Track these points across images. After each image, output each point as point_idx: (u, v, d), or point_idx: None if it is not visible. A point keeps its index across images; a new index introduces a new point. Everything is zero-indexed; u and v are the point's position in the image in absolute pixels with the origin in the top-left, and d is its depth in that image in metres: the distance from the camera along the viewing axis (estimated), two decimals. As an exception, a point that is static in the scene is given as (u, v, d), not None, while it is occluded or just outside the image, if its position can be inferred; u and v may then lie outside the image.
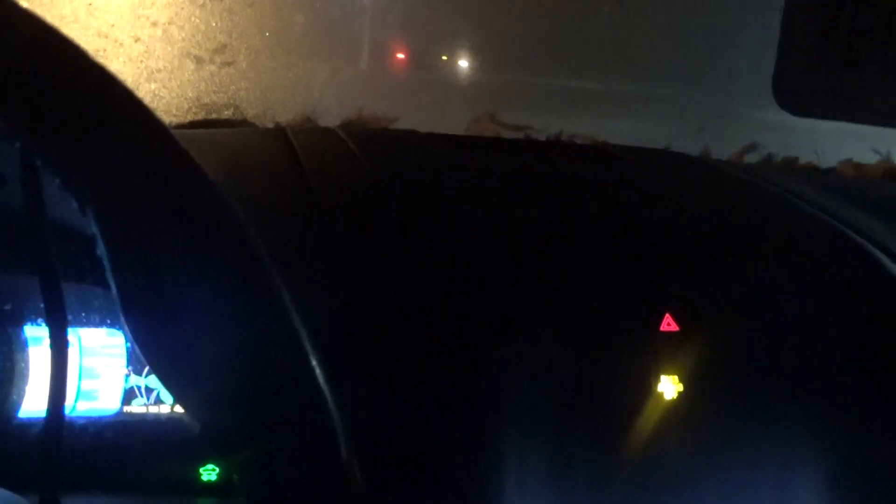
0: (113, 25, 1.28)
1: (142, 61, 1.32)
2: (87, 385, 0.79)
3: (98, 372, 0.80)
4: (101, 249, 0.40)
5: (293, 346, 0.44)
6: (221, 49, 1.40)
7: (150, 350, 0.41)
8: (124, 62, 1.28)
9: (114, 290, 0.40)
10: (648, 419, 0.71)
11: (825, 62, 0.66)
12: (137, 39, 1.33)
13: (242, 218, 0.44)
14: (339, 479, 0.45)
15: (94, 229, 0.40)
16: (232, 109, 1.19)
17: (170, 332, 0.41)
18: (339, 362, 0.66)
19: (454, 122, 1.33)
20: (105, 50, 1.27)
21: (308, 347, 0.45)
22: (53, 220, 0.48)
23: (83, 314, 0.78)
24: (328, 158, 0.87)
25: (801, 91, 0.69)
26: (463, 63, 1.74)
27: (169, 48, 1.36)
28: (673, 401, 0.71)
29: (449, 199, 0.79)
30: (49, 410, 0.50)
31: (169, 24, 1.32)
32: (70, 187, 0.40)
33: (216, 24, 1.35)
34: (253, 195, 0.77)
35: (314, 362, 0.45)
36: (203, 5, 1.34)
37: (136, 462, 0.78)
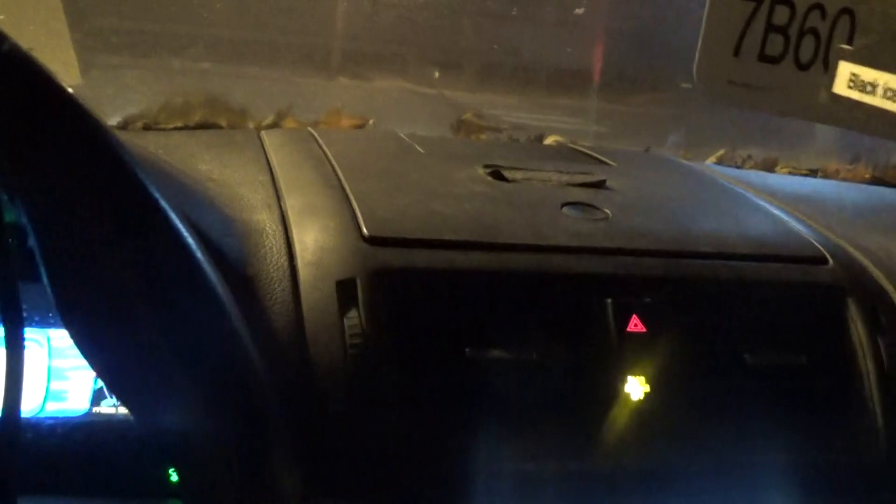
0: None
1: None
2: (55, 386, 0.79)
3: (67, 373, 0.79)
4: (32, 240, 0.40)
5: (235, 350, 0.44)
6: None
7: (81, 345, 0.41)
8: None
9: (45, 282, 0.40)
10: (616, 420, 0.71)
11: (742, 55, 0.68)
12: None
13: (177, 219, 0.43)
14: (272, 489, 0.45)
15: (24, 219, 0.40)
16: (208, 110, 1.18)
17: (99, 329, 0.41)
18: (310, 369, 0.66)
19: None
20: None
21: (253, 352, 0.45)
22: (16, 221, 0.48)
23: (51, 315, 0.78)
24: (298, 158, 0.87)
25: (719, 81, 0.71)
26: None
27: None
28: (640, 401, 0.71)
29: (419, 202, 0.79)
30: (4, 411, 0.49)
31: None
32: None
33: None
34: (221, 196, 0.77)
35: (260, 367, 0.45)
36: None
37: (105, 462, 0.78)
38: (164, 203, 0.43)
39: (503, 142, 1.24)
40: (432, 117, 1.48)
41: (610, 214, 0.81)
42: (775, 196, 0.98)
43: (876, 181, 1.31)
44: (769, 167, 1.36)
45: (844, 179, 1.33)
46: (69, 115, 0.41)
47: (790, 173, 1.33)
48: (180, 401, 0.43)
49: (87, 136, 0.41)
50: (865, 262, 0.82)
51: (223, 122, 1.20)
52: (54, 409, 0.79)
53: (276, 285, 0.69)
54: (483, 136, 1.30)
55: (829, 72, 0.67)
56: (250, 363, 0.45)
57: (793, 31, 0.66)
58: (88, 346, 0.42)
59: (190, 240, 0.44)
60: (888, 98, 0.63)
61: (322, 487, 0.63)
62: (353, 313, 0.67)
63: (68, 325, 0.42)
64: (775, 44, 0.68)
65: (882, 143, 1.30)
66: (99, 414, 0.80)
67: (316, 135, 0.95)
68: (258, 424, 0.47)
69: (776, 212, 0.90)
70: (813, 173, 1.34)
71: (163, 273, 0.43)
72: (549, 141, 1.31)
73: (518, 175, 0.88)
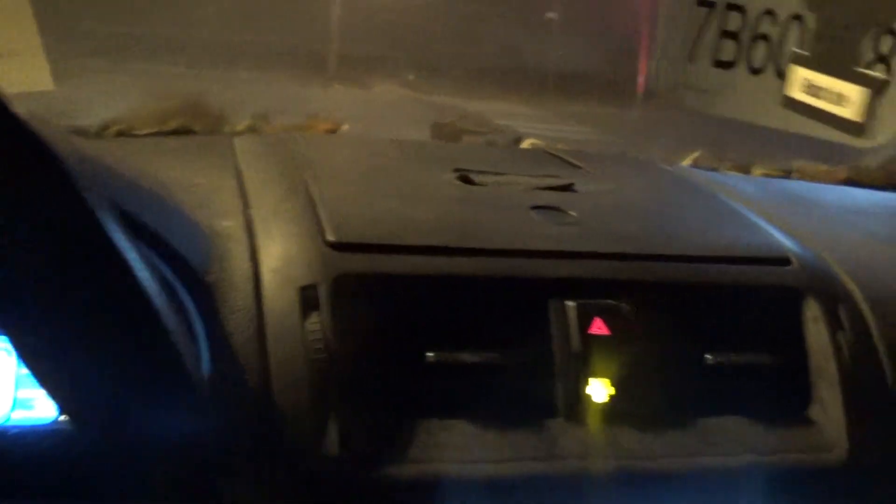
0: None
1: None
2: (23, 394, 0.78)
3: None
4: None
5: (173, 359, 0.44)
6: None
7: (16, 347, 0.42)
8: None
9: None
10: (580, 422, 0.71)
11: (697, 60, 0.68)
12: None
13: (111, 227, 0.44)
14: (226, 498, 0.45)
15: None
16: (185, 116, 1.18)
17: (31, 333, 0.41)
18: (272, 374, 0.66)
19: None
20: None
21: (196, 362, 0.45)
22: None
23: (19, 322, 0.77)
24: (267, 163, 0.87)
25: (674, 85, 0.72)
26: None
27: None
28: (604, 403, 0.71)
29: (385, 206, 0.79)
30: None
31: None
32: None
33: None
34: (188, 202, 0.77)
35: (196, 372, 0.45)
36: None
37: (73, 470, 0.78)
38: (99, 212, 0.43)
39: (479, 146, 1.24)
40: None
41: (577, 217, 0.82)
42: (745, 198, 0.99)
43: (849, 182, 1.31)
44: (745, 169, 1.36)
45: (819, 181, 1.33)
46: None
47: (765, 175, 1.34)
48: (119, 407, 0.44)
49: (21, 148, 0.42)
50: (829, 262, 0.83)
51: (199, 128, 1.20)
52: (22, 417, 0.79)
53: (239, 291, 0.69)
54: (464, 140, 1.30)
55: (784, 75, 0.68)
56: (191, 374, 0.46)
57: (745, 37, 0.67)
58: (22, 349, 0.42)
59: (125, 247, 0.44)
60: (835, 103, 0.64)
61: (282, 493, 0.63)
62: (314, 319, 0.67)
63: (5, 331, 0.42)
64: (728, 49, 0.69)
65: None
66: (67, 422, 0.80)
67: (287, 140, 0.95)
68: (205, 433, 0.47)
69: (743, 213, 0.91)
70: (787, 175, 1.34)
71: (93, 281, 0.43)
72: (525, 145, 1.32)
73: (487, 179, 0.88)
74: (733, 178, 1.20)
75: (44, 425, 0.79)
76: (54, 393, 0.44)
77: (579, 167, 1.02)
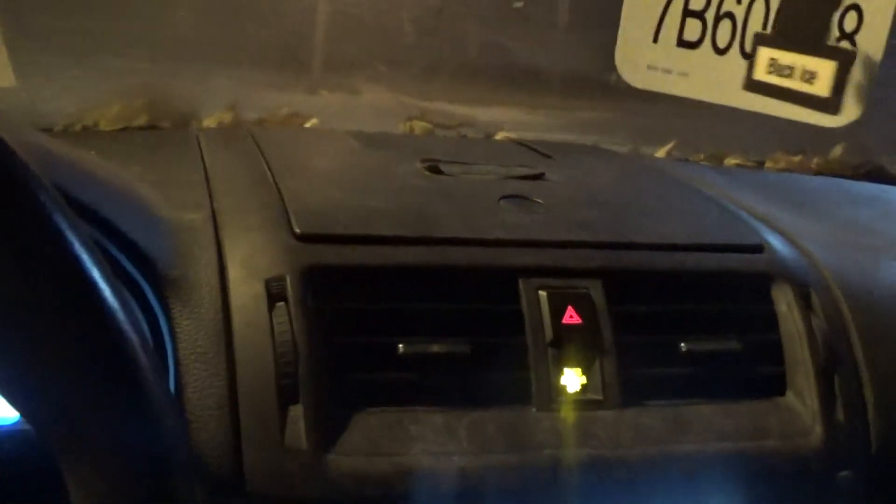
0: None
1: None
2: (-16, 394, 0.77)
3: (-3, 380, 0.77)
4: None
5: (126, 361, 0.43)
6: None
7: None
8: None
9: None
10: (554, 412, 0.70)
11: (661, 41, 0.68)
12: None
13: (72, 228, 0.42)
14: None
15: None
16: (151, 113, 1.17)
17: None
18: (238, 368, 0.65)
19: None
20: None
21: (151, 355, 0.44)
22: None
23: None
24: (232, 156, 0.86)
25: (639, 67, 0.71)
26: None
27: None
28: (577, 392, 0.70)
29: (352, 197, 0.78)
30: None
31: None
32: None
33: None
34: (152, 196, 0.76)
35: (160, 368, 0.44)
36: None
37: (37, 472, 0.76)
38: (56, 209, 0.41)
39: (450, 138, 1.24)
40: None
41: (547, 206, 0.81)
42: (718, 187, 0.99)
43: (820, 172, 1.32)
44: (718, 160, 1.37)
45: (790, 171, 1.34)
46: None
47: (738, 166, 1.34)
48: (78, 409, 0.42)
49: None
50: (802, 249, 0.83)
51: (167, 125, 1.18)
52: (-17, 417, 0.77)
53: (205, 284, 0.68)
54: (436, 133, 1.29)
55: (749, 57, 0.68)
56: (155, 371, 0.44)
57: (709, 16, 0.66)
58: None
59: (83, 244, 0.42)
60: (805, 80, 0.64)
61: (248, 487, 0.62)
62: (281, 311, 0.66)
63: None
64: (693, 29, 0.69)
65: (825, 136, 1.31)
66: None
67: (253, 133, 0.94)
68: (169, 430, 0.46)
69: (716, 202, 0.90)
70: (760, 165, 1.35)
71: (48, 281, 0.42)
72: (498, 137, 1.31)
73: (456, 169, 0.88)
74: (706, 168, 1.20)
75: (7, 426, 0.78)
76: (8, 397, 0.43)
77: (550, 157, 1.02)
